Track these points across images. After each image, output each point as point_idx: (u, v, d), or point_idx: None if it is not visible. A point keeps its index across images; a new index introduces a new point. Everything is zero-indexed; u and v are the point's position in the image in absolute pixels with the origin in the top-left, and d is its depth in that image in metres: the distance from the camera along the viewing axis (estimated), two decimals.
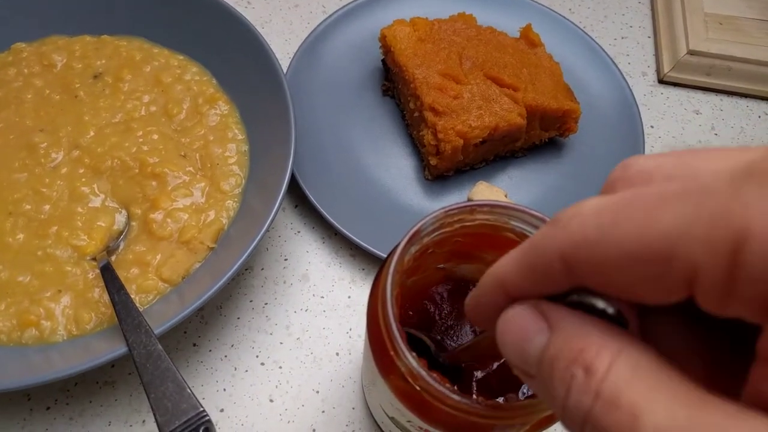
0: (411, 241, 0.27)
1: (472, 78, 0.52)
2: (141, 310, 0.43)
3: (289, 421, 0.43)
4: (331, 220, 0.48)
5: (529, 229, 0.28)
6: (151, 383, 0.35)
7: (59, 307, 0.42)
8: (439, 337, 0.33)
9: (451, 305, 0.34)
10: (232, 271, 0.41)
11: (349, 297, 0.49)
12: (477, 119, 0.49)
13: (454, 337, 0.33)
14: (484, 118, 0.50)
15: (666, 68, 0.62)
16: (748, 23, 0.62)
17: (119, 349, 0.37)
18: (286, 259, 0.50)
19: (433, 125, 0.50)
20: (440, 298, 0.34)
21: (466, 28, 0.55)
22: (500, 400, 0.28)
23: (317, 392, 0.45)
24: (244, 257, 0.42)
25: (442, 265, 0.33)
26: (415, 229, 0.27)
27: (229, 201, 0.48)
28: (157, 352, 0.36)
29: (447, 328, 0.33)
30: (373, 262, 0.50)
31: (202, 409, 0.33)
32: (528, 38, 0.56)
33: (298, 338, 0.47)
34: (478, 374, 0.31)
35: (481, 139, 0.50)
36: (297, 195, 0.53)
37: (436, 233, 0.29)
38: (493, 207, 0.28)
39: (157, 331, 0.38)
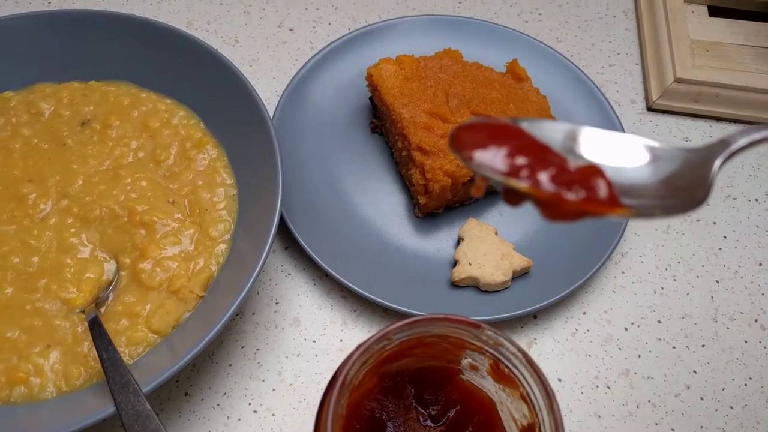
0: (340, 395, 0.27)
1: (459, 116, 0.52)
2: (131, 362, 0.42)
3: None
4: (321, 263, 0.48)
5: (449, 332, 0.29)
6: None
7: (48, 362, 0.42)
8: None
9: (394, 400, 0.33)
10: (222, 322, 0.41)
11: (341, 340, 0.48)
12: None
13: (409, 426, 0.32)
14: None
15: (654, 96, 0.62)
16: (733, 49, 0.62)
17: (108, 408, 0.37)
18: (277, 303, 0.50)
19: (421, 165, 0.50)
20: (382, 398, 0.33)
21: (452, 65, 0.55)
22: None
23: None
24: (234, 307, 0.41)
25: (374, 375, 0.33)
26: (339, 381, 0.27)
27: (218, 247, 0.48)
28: (145, 412, 0.36)
29: (398, 422, 0.33)
30: (365, 304, 0.50)
31: None
32: (514, 73, 0.56)
33: (290, 384, 0.47)
34: None
35: (469, 178, 0.50)
36: (287, 236, 0.53)
37: (362, 369, 0.29)
38: (410, 324, 0.29)
39: (146, 389, 0.38)
